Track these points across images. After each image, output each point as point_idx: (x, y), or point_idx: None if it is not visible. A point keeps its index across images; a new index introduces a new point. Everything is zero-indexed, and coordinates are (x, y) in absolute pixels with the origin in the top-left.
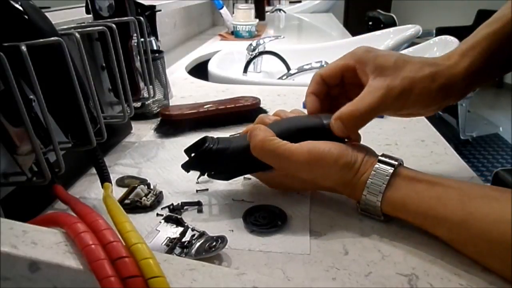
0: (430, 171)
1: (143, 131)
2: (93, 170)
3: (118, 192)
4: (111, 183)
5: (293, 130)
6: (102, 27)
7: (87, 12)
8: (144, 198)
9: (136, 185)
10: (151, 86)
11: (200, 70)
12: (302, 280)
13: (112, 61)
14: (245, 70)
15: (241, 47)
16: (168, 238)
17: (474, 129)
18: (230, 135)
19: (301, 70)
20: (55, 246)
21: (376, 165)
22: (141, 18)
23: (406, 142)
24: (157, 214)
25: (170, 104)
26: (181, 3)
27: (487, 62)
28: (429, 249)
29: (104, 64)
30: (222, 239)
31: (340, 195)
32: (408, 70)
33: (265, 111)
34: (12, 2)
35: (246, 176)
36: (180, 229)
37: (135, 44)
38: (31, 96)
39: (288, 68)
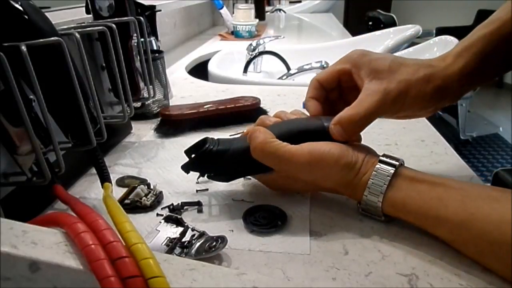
0: (430, 171)
1: (143, 131)
2: (93, 170)
3: (118, 192)
4: (111, 183)
5: (293, 132)
6: (102, 27)
7: (87, 12)
8: (144, 198)
9: (136, 185)
10: (151, 86)
11: (200, 70)
12: (302, 280)
13: (112, 61)
14: (245, 70)
15: (241, 47)
16: (168, 238)
17: (474, 129)
18: (230, 135)
19: (301, 70)
20: (55, 246)
21: (377, 165)
22: (141, 18)
23: (406, 142)
24: (157, 214)
25: (170, 104)
26: (181, 3)
27: (482, 63)
28: (429, 249)
29: (104, 64)
30: (222, 239)
31: (340, 196)
32: (404, 73)
33: (265, 111)
34: (12, 2)
35: (245, 176)
36: (180, 229)
37: (135, 44)
38: (31, 96)
39: (288, 68)
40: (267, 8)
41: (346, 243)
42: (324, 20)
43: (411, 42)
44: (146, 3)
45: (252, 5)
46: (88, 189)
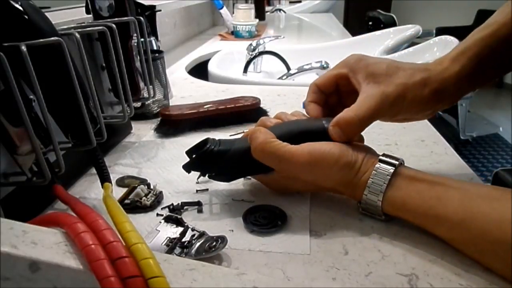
0: (430, 171)
1: (143, 131)
2: (93, 170)
3: (118, 192)
4: (111, 183)
5: (294, 133)
6: (102, 27)
7: (87, 12)
8: (144, 198)
9: (136, 185)
10: (151, 86)
11: (200, 70)
12: (302, 280)
13: (112, 61)
14: (245, 70)
15: (241, 47)
16: (168, 238)
17: (474, 129)
18: (230, 135)
19: (301, 70)
20: (55, 246)
21: (377, 165)
22: (141, 18)
23: (406, 142)
24: (157, 214)
25: (170, 104)
26: (181, 3)
27: (479, 67)
28: (429, 249)
29: (104, 64)
30: (222, 239)
31: (340, 195)
32: (400, 77)
33: (265, 111)
34: (12, 2)
35: (246, 177)
36: (180, 229)
37: (135, 44)
38: (31, 96)
39: (288, 68)
40: (267, 8)
41: (346, 243)
42: (324, 20)
43: (411, 42)
44: (146, 3)
45: (252, 5)
46: (88, 189)
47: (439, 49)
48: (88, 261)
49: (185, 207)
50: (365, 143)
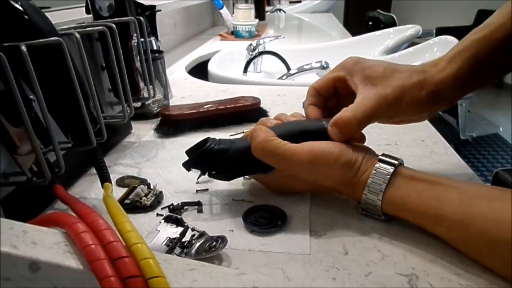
0: (430, 171)
1: (143, 131)
2: (93, 170)
3: (118, 192)
4: (111, 183)
5: (294, 132)
6: (102, 27)
7: (87, 12)
8: (144, 198)
9: (136, 185)
10: (151, 86)
11: (200, 70)
12: (302, 280)
13: (112, 61)
14: (245, 70)
15: (241, 47)
16: (168, 238)
17: (474, 129)
18: (230, 135)
19: (301, 70)
20: (55, 246)
21: (377, 165)
22: (141, 18)
23: (406, 142)
24: (157, 214)
25: (170, 104)
26: (181, 3)
27: (475, 68)
28: (429, 248)
29: (104, 64)
30: (222, 239)
31: (340, 195)
32: (397, 79)
33: (265, 111)
34: (12, 2)
35: (246, 176)
36: (180, 229)
37: (135, 44)
38: (31, 96)
39: (288, 68)
40: (267, 8)
41: (346, 243)
42: (324, 20)
43: (411, 42)
44: (146, 3)
45: (252, 5)
46: (88, 189)
47: (439, 49)
48: (88, 261)
49: (185, 207)
50: (365, 143)
